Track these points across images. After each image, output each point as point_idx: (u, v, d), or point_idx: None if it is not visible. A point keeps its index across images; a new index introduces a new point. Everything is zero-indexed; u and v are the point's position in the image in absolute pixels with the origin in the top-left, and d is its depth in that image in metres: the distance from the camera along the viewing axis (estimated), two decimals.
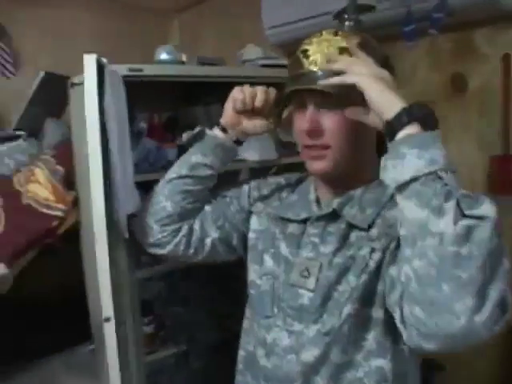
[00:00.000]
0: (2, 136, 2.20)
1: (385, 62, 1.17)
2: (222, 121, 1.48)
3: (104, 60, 1.62)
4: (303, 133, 1.22)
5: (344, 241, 1.22)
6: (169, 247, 1.51)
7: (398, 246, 1.08)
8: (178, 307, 2.32)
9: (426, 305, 0.92)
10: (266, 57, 2.37)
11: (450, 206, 0.90)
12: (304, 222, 1.31)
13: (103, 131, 1.65)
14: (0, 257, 1.89)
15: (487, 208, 0.90)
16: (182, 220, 1.49)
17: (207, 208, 1.53)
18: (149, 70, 1.90)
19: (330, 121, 1.19)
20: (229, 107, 1.44)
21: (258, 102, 1.38)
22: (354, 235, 1.22)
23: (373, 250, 1.16)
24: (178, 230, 1.49)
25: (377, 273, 1.15)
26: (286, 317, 1.26)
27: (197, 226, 1.51)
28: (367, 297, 1.16)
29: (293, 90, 1.21)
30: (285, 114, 1.36)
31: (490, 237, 0.87)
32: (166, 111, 2.52)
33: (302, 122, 1.22)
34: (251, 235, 1.47)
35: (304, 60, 1.19)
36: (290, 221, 1.35)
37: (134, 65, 1.86)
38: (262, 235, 1.43)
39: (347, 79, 1.08)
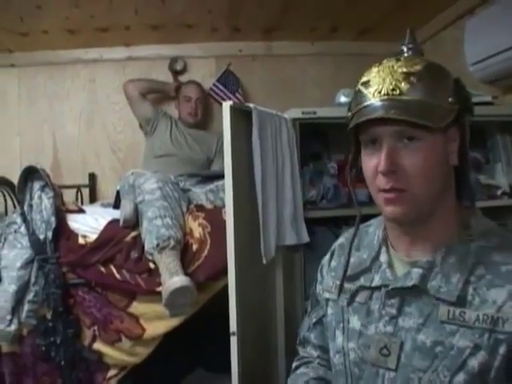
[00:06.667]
0: (222, 173, 2.59)
1: (455, 85, 1.04)
2: None
3: (250, 105, 1.84)
4: (379, 174, 1.03)
5: (429, 316, 1.02)
6: None
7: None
8: None
9: None
10: None
11: None
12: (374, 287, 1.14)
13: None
14: (199, 276, 2.25)
15: None
16: None
17: None
18: (322, 112, 2.07)
19: (407, 160, 1.00)
20: None
21: None
22: (443, 310, 1.00)
23: (476, 348, 0.94)
24: None
25: (482, 379, 0.94)
26: None
27: None
28: None
29: (359, 127, 1.07)
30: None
31: None
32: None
33: (373, 160, 1.04)
34: (329, 311, 1.28)
35: (366, 92, 1.05)
36: (361, 288, 1.17)
37: (307, 108, 2.06)
38: (334, 309, 1.25)
39: None
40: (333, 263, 1.30)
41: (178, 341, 2.50)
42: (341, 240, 1.33)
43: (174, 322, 2.27)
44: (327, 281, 1.29)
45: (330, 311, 1.25)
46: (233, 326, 1.79)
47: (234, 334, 1.78)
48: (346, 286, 1.19)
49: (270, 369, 2.22)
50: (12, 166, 3.17)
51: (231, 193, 1.70)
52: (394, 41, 3.55)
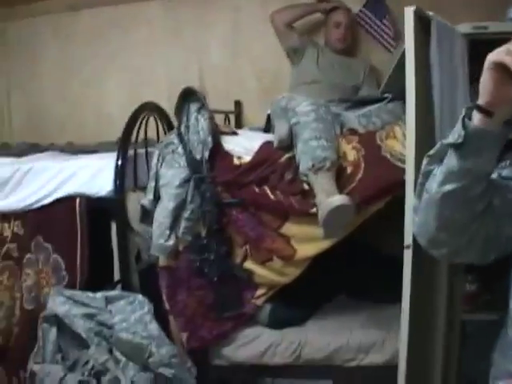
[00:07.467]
0: (372, 98, 2.57)
1: None
2: (483, 101, 0.98)
3: (430, 13, 1.74)
4: None
5: None
6: None
7: None
8: None
9: None
10: None
11: None
12: None
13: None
14: (354, 198, 2.23)
15: None
16: None
17: None
18: (495, 27, 1.93)
19: None
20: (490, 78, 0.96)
21: None
22: None
23: None
24: None
25: None
26: None
27: None
28: None
29: None
30: None
31: None
32: None
33: None
34: None
35: None
36: None
37: (478, 23, 1.93)
38: None
39: None
40: None
41: (327, 264, 2.53)
42: None
43: (325, 244, 2.27)
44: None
45: None
46: (408, 238, 1.77)
47: (409, 247, 1.76)
48: None
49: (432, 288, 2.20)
50: (160, 94, 3.27)
51: (413, 103, 1.64)
52: None
